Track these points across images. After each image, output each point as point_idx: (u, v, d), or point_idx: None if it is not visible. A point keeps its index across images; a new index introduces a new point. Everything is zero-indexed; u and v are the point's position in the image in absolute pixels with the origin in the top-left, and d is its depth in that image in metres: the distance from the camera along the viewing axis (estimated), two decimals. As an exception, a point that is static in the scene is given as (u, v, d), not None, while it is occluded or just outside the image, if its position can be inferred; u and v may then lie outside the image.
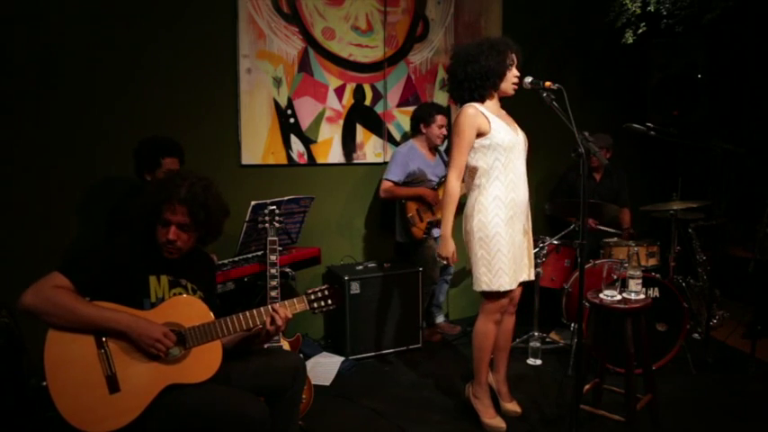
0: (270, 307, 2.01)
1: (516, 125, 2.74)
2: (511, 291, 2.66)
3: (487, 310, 2.69)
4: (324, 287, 2.08)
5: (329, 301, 2.06)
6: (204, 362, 1.88)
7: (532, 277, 2.80)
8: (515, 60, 2.62)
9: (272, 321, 1.99)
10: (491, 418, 2.75)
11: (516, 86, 2.61)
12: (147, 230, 1.97)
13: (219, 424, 1.82)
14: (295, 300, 2.05)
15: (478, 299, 2.89)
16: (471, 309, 4.32)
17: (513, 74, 2.61)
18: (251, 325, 1.97)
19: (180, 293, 1.97)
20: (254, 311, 1.98)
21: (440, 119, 3.71)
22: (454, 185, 2.63)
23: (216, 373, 1.89)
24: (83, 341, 1.78)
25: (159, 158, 2.74)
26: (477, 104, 2.61)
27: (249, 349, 2.14)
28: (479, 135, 2.59)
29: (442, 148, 3.86)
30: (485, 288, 2.62)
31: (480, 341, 2.72)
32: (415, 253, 3.76)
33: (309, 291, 2.07)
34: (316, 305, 2.06)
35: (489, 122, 2.58)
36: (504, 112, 2.72)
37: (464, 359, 3.56)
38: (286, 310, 2.02)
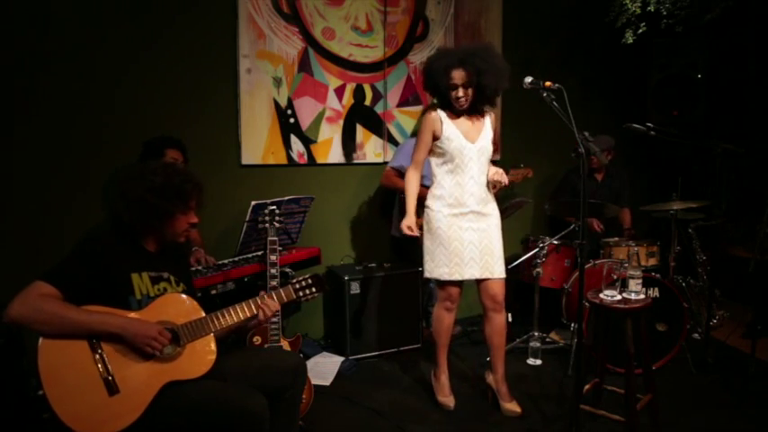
0: (260, 297, 2.09)
1: (483, 133, 2.80)
2: (453, 282, 2.82)
3: (438, 297, 2.93)
4: (307, 276, 2.19)
5: (313, 289, 2.17)
6: (199, 357, 1.90)
7: (495, 276, 2.81)
8: (455, 78, 2.65)
9: (263, 312, 2.08)
10: (444, 397, 2.98)
11: (458, 100, 2.70)
12: (154, 223, 1.99)
13: (220, 418, 1.83)
14: (282, 290, 2.14)
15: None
16: (471, 309, 4.31)
17: (453, 92, 2.68)
18: (241, 318, 2.02)
19: (164, 288, 1.99)
20: (243, 304, 2.05)
21: None
22: (409, 176, 2.90)
23: (213, 368, 1.90)
24: (76, 346, 1.77)
25: (163, 149, 2.91)
26: (439, 110, 2.80)
27: (244, 342, 2.22)
28: (435, 138, 2.79)
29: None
30: (426, 275, 2.88)
31: (434, 326, 2.98)
32: (411, 249, 3.76)
33: (294, 280, 2.17)
34: (302, 293, 2.16)
35: (443, 128, 2.76)
36: (472, 120, 2.79)
37: (464, 358, 3.56)
38: (274, 301, 2.11)
